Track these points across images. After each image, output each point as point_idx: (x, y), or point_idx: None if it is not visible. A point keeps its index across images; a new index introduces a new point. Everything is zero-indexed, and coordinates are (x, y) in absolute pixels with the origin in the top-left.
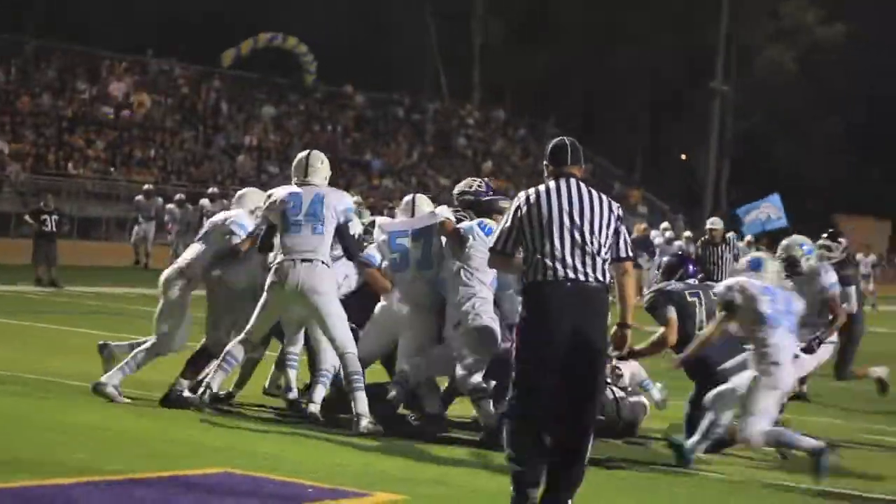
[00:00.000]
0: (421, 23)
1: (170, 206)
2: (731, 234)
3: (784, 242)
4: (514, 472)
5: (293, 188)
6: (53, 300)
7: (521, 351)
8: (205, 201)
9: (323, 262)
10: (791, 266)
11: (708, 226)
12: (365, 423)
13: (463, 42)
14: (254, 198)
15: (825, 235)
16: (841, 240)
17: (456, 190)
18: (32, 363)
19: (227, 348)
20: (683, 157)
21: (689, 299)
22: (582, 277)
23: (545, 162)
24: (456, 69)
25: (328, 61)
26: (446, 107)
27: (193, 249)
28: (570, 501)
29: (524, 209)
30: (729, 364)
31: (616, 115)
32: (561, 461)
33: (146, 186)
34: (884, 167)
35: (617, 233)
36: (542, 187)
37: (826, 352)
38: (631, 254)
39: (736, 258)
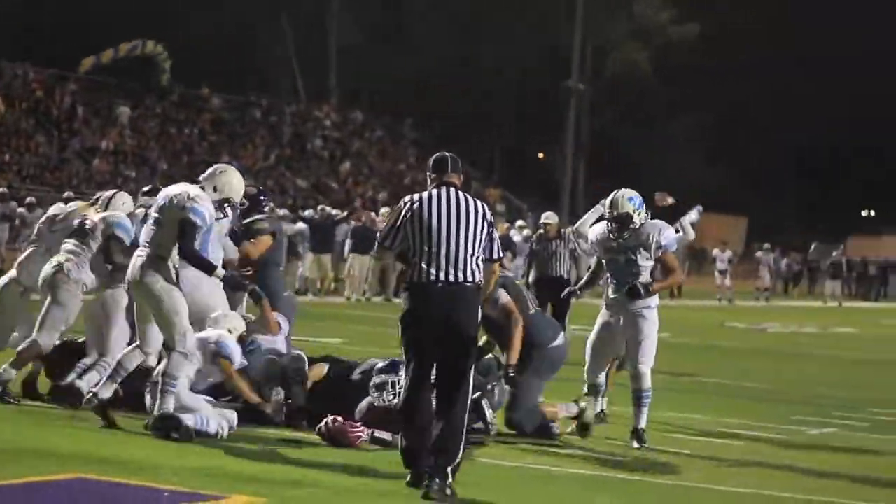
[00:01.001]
0: (277, 25)
1: (20, 209)
2: (567, 230)
3: (609, 199)
4: (405, 449)
5: None
6: None
7: (404, 341)
8: (60, 205)
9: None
10: (621, 224)
11: (542, 220)
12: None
13: (320, 44)
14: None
15: None
16: None
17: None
18: None
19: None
20: (541, 155)
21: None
22: (453, 279)
23: (428, 172)
24: (313, 71)
25: (184, 63)
26: (303, 109)
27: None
28: (449, 477)
29: (409, 214)
30: None
31: (474, 115)
32: (439, 436)
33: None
34: (739, 166)
35: (490, 236)
36: (425, 194)
37: None
38: (500, 254)
39: (572, 253)
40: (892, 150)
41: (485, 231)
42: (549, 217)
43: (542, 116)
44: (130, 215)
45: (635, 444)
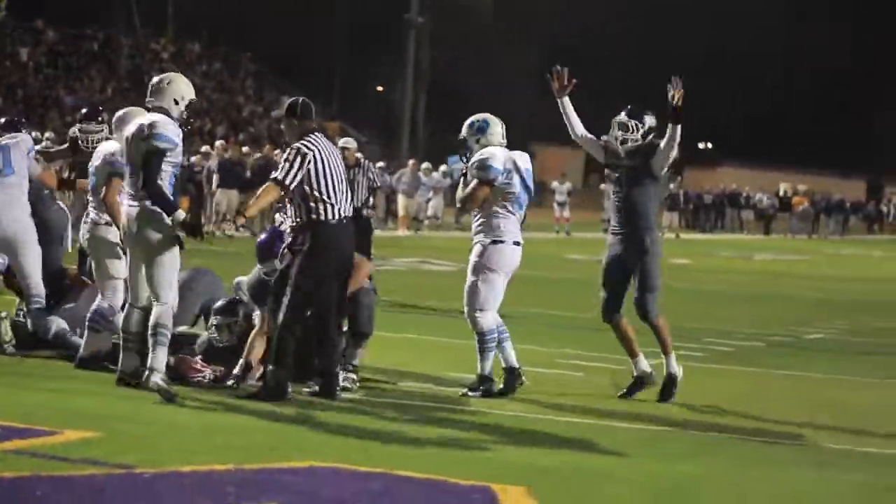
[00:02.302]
0: None
1: None
2: (364, 159)
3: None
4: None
5: None
6: None
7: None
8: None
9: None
10: None
11: (340, 144)
12: (156, 378)
13: None
14: None
15: None
16: None
17: None
18: None
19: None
20: (380, 88)
21: None
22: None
23: (292, 117)
24: (149, 2)
25: None
26: (139, 40)
27: None
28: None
29: (315, 159)
30: None
31: (312, 47)
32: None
33: None
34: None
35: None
36: (322, 141)
37: None
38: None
39: (371, 182)
40: (729, 83)
41: None
42: (347, 143)
43: (383, 49)
44: None
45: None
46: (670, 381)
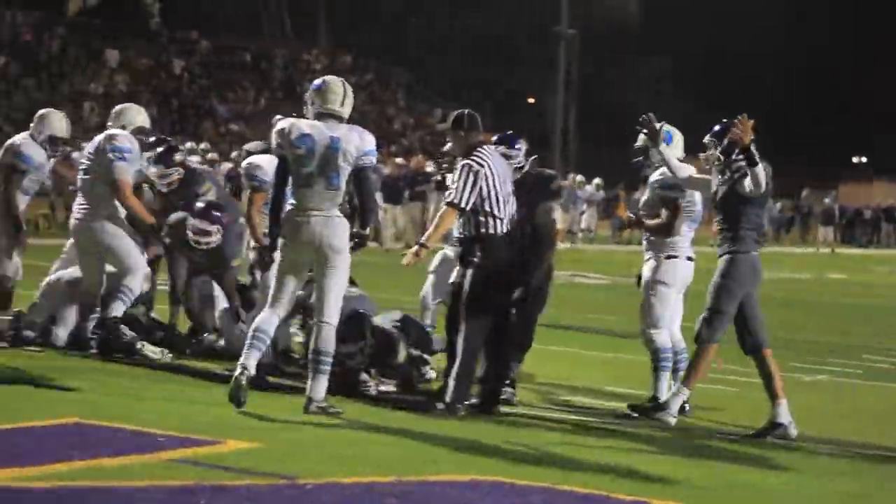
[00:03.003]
0: None
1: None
2: None
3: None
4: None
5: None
6: None
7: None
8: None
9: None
10: None
11: None
12: (313, 407)
13: None
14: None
15: None
16: None
17: None
18: None
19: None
20: (531, 100)
21: None
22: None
23: (459, 130)
24: (302, 13)
25: (172, 6)
26: (292, 52)
27: None
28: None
29: (487, 175)
30: None
31: (465, 58)
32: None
33: None
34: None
35: None
36: (491, 154)
37: None
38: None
39: None
40: (885, 97)
41: None
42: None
43: (534, 60)
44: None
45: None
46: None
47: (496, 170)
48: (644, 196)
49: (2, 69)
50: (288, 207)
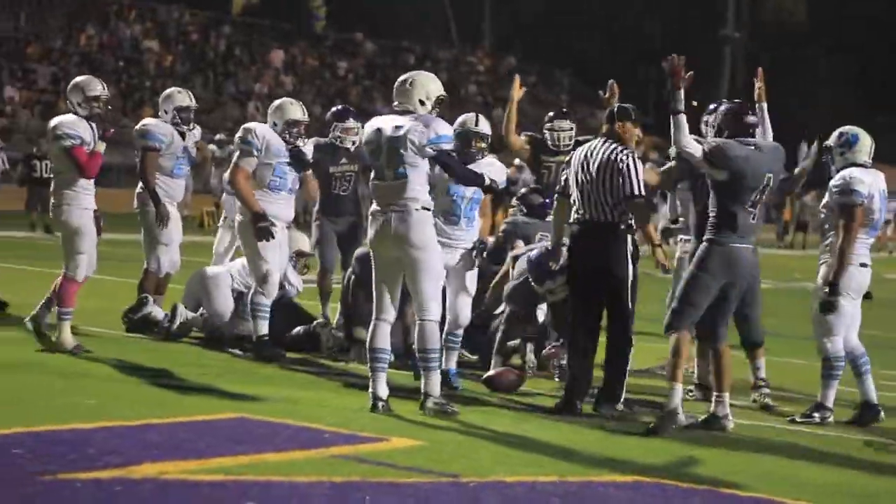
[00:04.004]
0: None
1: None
2: None
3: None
4: None
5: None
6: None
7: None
8: (212, 147)
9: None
10: None
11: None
12: (430, 404)
13: None
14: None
15: None
16: None
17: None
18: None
19: None
20: (695, 103)
21: None
22: None
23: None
24: (466, 15)
25: (338, 8)
26: (456, 54)
27: None
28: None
29: None
30: None
31: (624, 61)
32: None
33: None
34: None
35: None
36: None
37: None
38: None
39: None
40: None
41: None
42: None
43: (699, 63)
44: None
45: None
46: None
47: None
48: (823, 199)
49: (169, 68)
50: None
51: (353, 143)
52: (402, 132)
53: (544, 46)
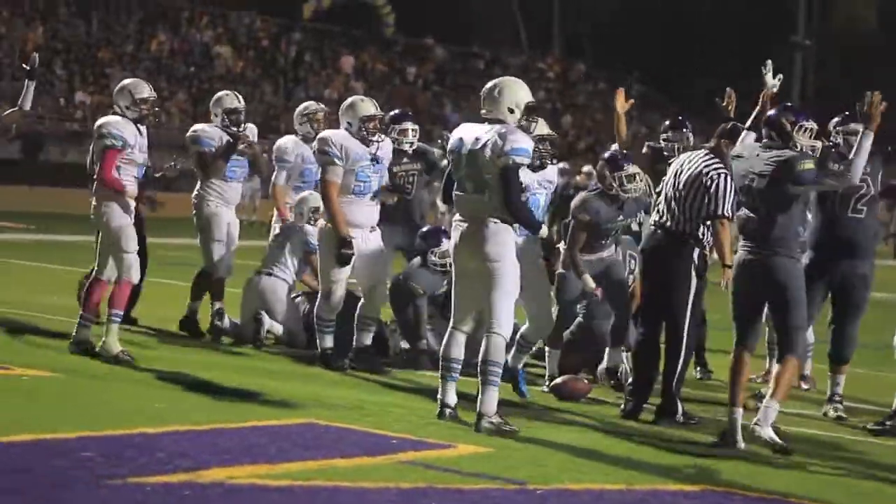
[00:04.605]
0: None
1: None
2: None
3: None
4: None
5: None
6: None
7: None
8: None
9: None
10: None
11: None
12: (486, 424)
13: None
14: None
15: None
16: None
17: None
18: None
19: None
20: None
21: None
22: None
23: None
24: (536, 20)
25: (407, 13)
26: (526, 60)
27: None
28: None
29: None
30: None
31: (696, 67)
32: None
33: None
34: None
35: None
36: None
37: None
38: None
39: None
40: None
41: None
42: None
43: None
44: None
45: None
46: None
47: None
48: None
49: (240, 74)
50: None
51: (411, 144)
52: (480, 144)
53: (614, 51)
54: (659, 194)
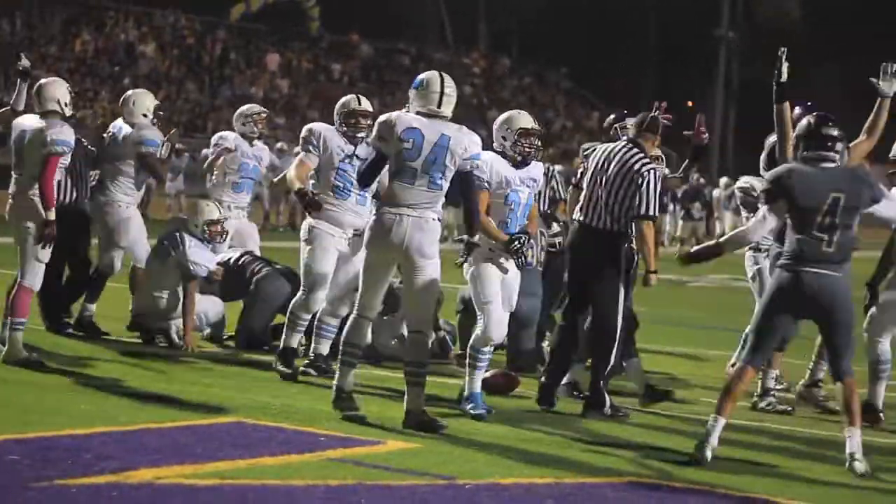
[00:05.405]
0: None
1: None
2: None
3: None
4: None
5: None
6: None
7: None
8: (207, 151)
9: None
10: None
11: None
12: (413, 419)
13: None
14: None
15: None
16: None
17: None
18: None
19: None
20: (690, 104)
21: None
22: None
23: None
24: (461, 17)
25: (333, 9)
26: (451, 56)
27: None
28: None
29: None
30: None
31: (620, 62)
32: None
33: None
34: None
35: None
36: None
37: None
38: None
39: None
40: None
41: None
42: None
43: (692, 64)
44: None
45: None
46: None
47: None
48: None
49: (165, 72)
50: (382, 206)
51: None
52: (449, 141)
53: (540, 47)
54: (577, 186)
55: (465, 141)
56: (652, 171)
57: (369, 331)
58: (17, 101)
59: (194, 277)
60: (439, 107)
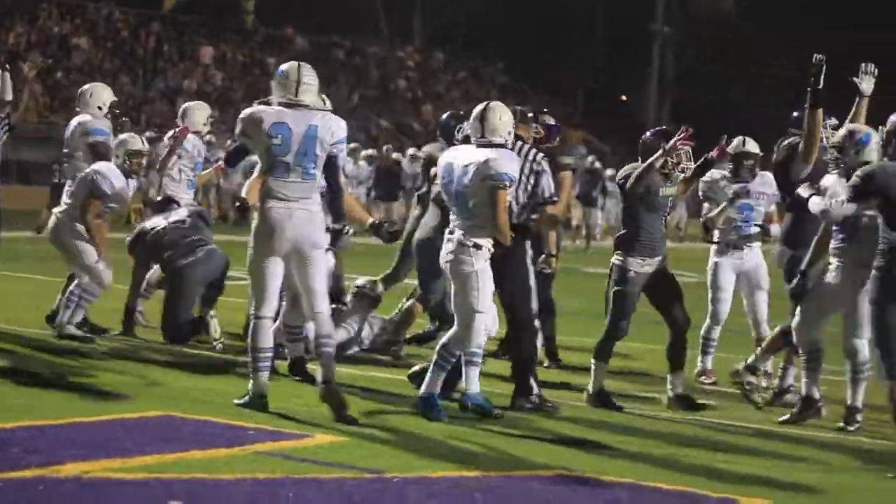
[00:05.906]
0: None
1: None
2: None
3: None
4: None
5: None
6: None
7: None
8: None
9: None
10: None
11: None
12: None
13: None
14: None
15: None
16: None
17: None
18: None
19: None
20: (623, 98)
21: None
22: None
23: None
24: (397, 11)
25: (268, 3)
26: (386, 50)
27: None
28: None
29: None
30: None
31: (555, 56)
32: None
33: None
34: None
35: None
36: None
37: None
38: None
39: None
40: None
41: None
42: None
43: (627, 58)
44: None
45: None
46: None
47: None
48: None
49: (98, 65)
50: (269, 201)
51: None
52: (317, 130)
53: (487, 39)
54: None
55: (333, 126)
56: (545, 160)
57: (271, 332)
58: (3, 92)
59: (99, 194)
60: (296, 95)
